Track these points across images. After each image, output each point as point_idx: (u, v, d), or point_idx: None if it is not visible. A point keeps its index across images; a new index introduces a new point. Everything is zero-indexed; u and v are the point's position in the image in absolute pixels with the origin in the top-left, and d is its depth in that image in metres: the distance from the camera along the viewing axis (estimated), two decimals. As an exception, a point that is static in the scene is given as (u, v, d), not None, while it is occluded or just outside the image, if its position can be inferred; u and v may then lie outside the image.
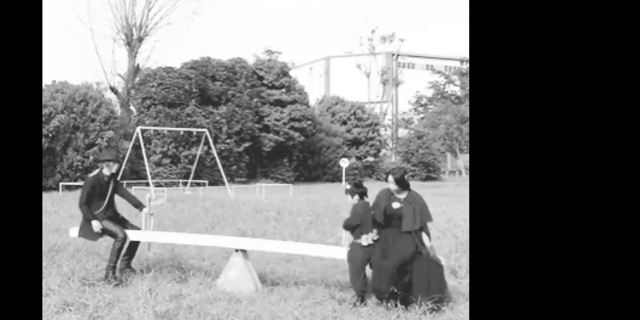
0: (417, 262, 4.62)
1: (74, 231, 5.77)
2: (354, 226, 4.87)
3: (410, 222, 4.71)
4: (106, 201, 5.62)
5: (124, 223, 5.75)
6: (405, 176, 4.90)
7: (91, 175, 5.75)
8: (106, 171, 5.66)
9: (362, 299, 4.71)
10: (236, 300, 4.77)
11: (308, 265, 6.51)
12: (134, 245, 5.77)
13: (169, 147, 27.63)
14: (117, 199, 5.90)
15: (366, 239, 4.78)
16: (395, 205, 4.81)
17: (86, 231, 5.59)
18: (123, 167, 21.85)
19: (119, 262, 5.58)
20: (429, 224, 4.98)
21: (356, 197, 4.99)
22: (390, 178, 4.86)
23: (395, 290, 4.55)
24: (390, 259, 4.62)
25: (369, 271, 4.90)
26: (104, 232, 5.57)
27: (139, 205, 5.86)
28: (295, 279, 5.76)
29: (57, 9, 67.73)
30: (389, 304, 4.53)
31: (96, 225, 5.49)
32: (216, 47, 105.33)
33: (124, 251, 5.61)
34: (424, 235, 4.77)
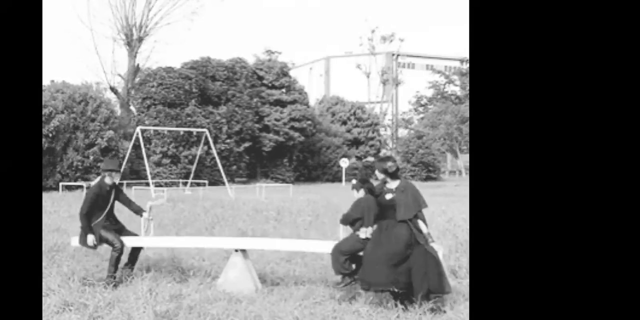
0: (414, 256, 4.58)
1: (75, 240, 5.78)
2: (354, 219, 4.86)
3: (404, 211, 4.69)
4: (106, 210, 5.66)
5: (122, 231, 5.75)
6: (389, 164, 4.84)
7: (93, 184, 5.81)
8: (108, 181, 5.72)
9: (345, 281, 4.72)
10: (236, 300, 4.77)
11: (308, 265, 6.50)
12: (135, 252, 5.77)
13: (169, 147, 27.63)
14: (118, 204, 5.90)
15: (365, 233, 4.78)
16: (388, 196, 4.80)
17: (85, 240, 5.61)
18: (123, 167, 21.85)
19: (118, 272, 5.55)
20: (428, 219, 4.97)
21: (362, 191, 4.99)
22: (377, 171, 4.87)
23: (396, 290, 4.54)
24: (384, 251, 4.58)
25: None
26: (102, 240, 5.59)
27: (139, 211, 5.90)
28: (295, 279, 5.76)
29: (57, 9, 67.78)
30: (389, 304, 4.52)
31: (90, 240, 5.51)
32: (216, 47, 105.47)
33: (125, 260, 5.63)
34: (420, 222, 4.74)
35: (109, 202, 5.69)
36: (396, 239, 4.62)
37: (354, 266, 4.87)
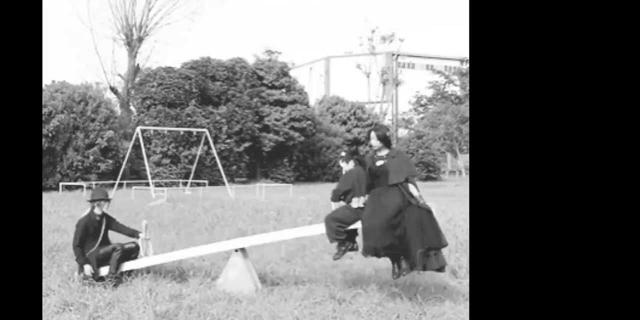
0: (407, 213, 4.55)
1: (79, 277, 5.69)
2: (344, 192, 4.83)
3: (395, 175, 4.67)
4: (99, 240, 5.65)
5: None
6: (387, 133, 4.87)
7: (83, 216, 5.76)
8: (97, 211, 5.72)
9: (342, 250, 4.75)
10: (236, 300, 4.77)
11: (308, 265, 6.51)
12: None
13: (169, 147, 27.64)
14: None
15: (357, 202, 4.75)
16: (379, 162, 4.79)
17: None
18: (123, 167, 21.86)
19: (118, 272, 5.53)
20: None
21: (351, 162, 4.97)
22: (373, 134, 4.84)
23: (392, 243, 4.52)
24: (378, 217, 4.57)
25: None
26: (104, 260, 5.53)
27: (134, 234, 5.88)
28: (295, 279, 5.76)
29: (57, 9, 67.79)
30: (389, 258, 4.58)
31: (88, 269, 5.46)
32: (216, 47, 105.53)
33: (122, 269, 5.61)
34: (411, 186, 4.70)
35: (101, 231, 5.69)
36: (389, 204, 4.60)
37: (346, 235, 4.86)
